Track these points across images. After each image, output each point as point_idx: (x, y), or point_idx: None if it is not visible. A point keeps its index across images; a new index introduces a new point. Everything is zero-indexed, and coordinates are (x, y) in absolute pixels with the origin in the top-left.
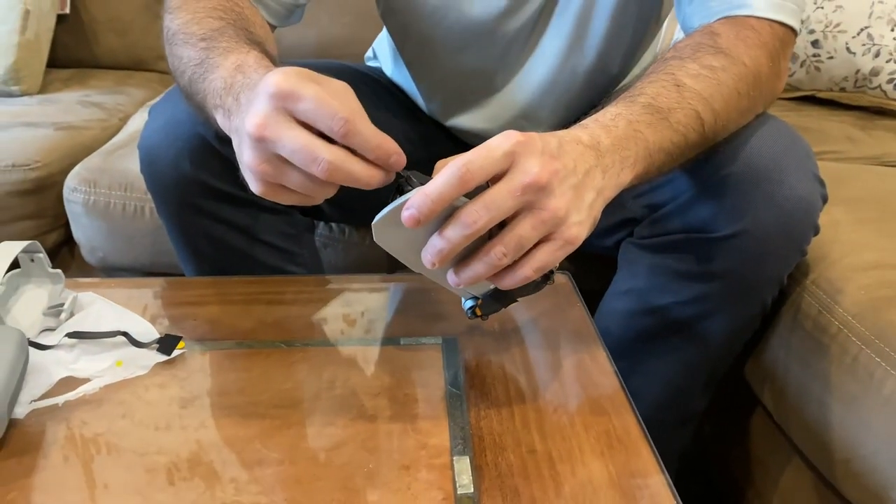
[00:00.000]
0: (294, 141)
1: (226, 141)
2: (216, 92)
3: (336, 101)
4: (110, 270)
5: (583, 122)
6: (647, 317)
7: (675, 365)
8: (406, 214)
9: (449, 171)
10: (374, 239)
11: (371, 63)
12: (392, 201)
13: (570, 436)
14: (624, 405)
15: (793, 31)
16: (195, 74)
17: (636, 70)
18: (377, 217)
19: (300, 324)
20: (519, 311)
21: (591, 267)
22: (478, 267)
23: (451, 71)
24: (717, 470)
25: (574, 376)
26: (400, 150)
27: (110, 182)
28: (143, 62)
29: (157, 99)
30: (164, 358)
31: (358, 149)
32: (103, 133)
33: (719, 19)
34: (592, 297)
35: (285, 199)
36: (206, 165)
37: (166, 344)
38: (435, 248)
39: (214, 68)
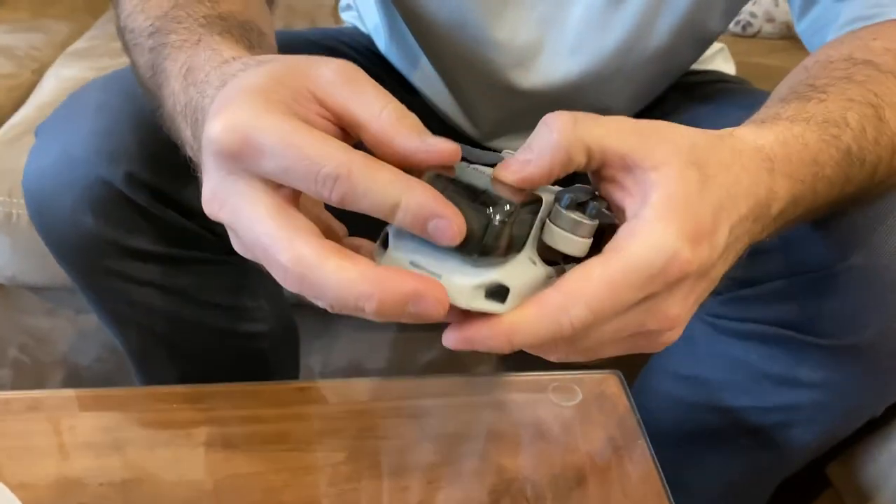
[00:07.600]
0: (254, 230)
1: (139, 183)
2: (173, 120)
3: (320, 142)
4: (23, 289)
5: (761, 118)
6: (714, 413)
7: (739, 466)
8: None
9: (546, 322)
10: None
11: (346, 15)
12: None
13: None
14: None
15: None
16: (153, 90)
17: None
18: None
19: None
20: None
21: None
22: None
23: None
24: None
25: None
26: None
27: (10, 187)
28: None
29: (48, 117)
30: None
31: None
32: (7, 97)
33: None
34: None
35: None
36: (115, 218)
37: None
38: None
39: (165, 82)
